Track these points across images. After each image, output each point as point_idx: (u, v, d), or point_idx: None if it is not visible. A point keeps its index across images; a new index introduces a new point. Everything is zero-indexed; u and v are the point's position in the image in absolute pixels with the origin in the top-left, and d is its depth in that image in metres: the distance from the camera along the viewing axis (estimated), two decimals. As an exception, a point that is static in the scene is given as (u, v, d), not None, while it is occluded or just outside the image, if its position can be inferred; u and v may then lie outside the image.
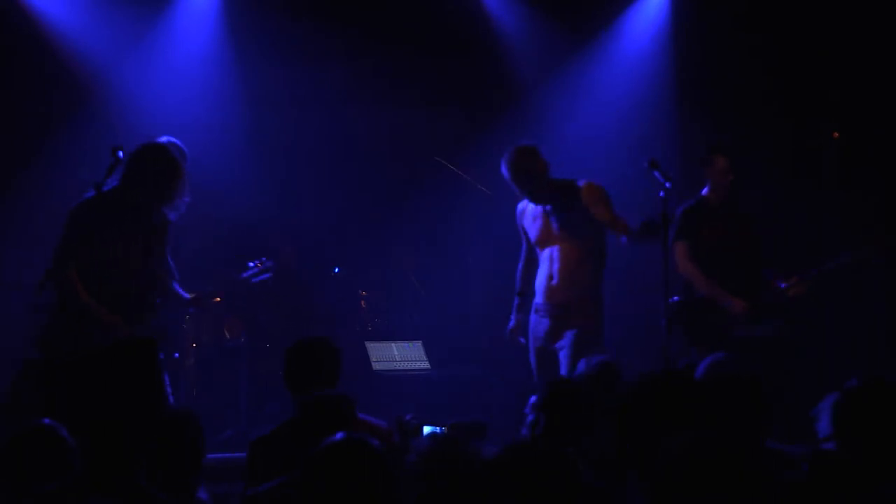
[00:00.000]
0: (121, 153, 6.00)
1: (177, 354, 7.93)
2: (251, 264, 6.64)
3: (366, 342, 8.39)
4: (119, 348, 3.20)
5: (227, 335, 8.24)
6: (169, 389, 5.93)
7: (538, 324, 6.79)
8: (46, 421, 3.81)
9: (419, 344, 8.49)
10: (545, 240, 6.82)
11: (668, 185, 6.30)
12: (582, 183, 6.72)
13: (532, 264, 6.95)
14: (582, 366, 5.25)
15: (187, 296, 6.30)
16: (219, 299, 7.62)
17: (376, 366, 8.24)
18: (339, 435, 2.88)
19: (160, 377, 3.20)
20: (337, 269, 9.08)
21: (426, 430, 4.98)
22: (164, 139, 6.26)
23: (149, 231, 6.09)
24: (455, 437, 4.17)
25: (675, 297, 6.98)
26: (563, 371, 6.55)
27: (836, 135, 8.60)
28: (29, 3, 8.40)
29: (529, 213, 6.90)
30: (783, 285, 7.10)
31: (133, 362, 3.13)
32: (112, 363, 3.15)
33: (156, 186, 6.05)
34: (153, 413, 3.14)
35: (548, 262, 6.78)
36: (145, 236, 6.09)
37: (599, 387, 4.80)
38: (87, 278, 5.92)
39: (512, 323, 7.00)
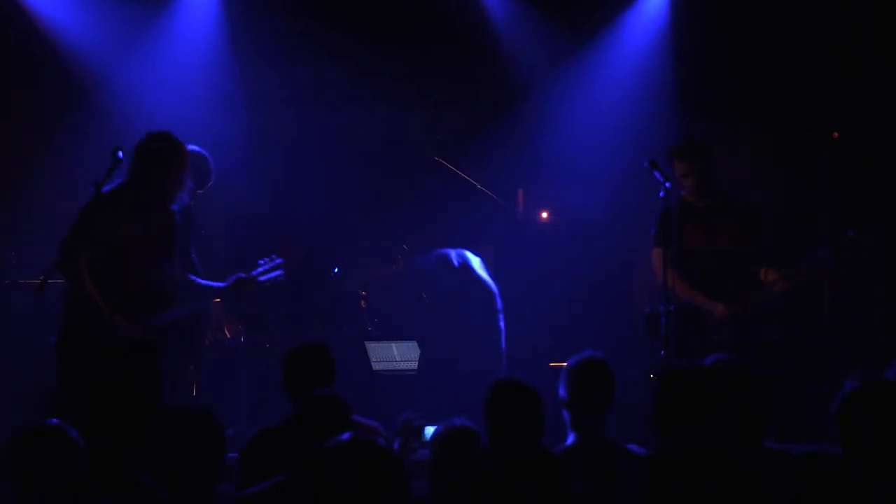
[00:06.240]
0: (120, 153, 6.03)
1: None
2: (261, 262, 6.54)
3: (366, 342, 8.37)
4: (119, 348, 3.21)
5: (227, 335, 8.22)
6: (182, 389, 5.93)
7: None
8: (52, 420, 3.82)
9: (415, 344, 8.47)
10: None
11: (668, 184, 6.29)
12: None
13: None
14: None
15: (219, 284, 6.32)
16: (218, 300, 7.59)
17: (376, 366, 8.23)
18: (346, 435, 2.86)
19: (155, 379, 3.21)
20: (337, 269, 9.06)
21: (428, 430, 4.98)
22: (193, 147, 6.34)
23: (159, 224, 6.12)
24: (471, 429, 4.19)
25: (648, 308, 6.67)
26: None
27: (836, 135, 8.60)
28: (29, 3, 8.41)
29: None
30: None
31: (132, 363, 3.14)
32: (112, 362, 3.16)
33: (160, 179, 6.08)
34: (150, 413, 3.14)
35: None
36: (155, 230, 6.11)
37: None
38: (98, 274, 5.93)
39: None
